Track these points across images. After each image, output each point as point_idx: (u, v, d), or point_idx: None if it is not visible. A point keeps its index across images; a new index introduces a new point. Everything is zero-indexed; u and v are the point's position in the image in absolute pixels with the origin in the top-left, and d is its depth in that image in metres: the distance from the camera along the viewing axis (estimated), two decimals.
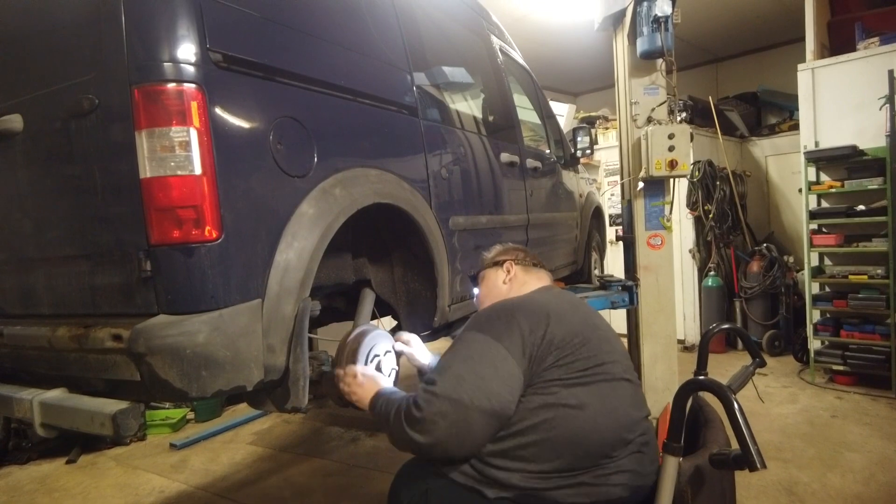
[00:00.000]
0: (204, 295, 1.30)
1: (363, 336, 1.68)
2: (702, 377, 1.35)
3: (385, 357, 1.75)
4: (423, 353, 1.89)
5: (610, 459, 1.33)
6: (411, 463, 1.55)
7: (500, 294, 1.69)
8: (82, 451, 3.92)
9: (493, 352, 1.36)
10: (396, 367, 1.81)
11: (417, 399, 1.35)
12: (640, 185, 3.48)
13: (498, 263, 1.76)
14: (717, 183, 5.77)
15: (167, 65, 1.29)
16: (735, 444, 1.13)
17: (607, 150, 6.36)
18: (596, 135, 6.45)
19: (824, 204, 4.73)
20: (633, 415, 1.41)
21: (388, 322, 2.24)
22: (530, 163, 3.04)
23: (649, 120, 3.40)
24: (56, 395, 1.50)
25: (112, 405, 1.35)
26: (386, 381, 1.60)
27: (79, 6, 1.42)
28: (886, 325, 4.25)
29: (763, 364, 1.76)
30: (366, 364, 1.67)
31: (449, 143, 2.29)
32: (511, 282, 1.71)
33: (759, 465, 1.04)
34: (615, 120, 4.47)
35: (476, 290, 1.83)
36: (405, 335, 1.90)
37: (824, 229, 4.69)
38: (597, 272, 4.43)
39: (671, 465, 1.21)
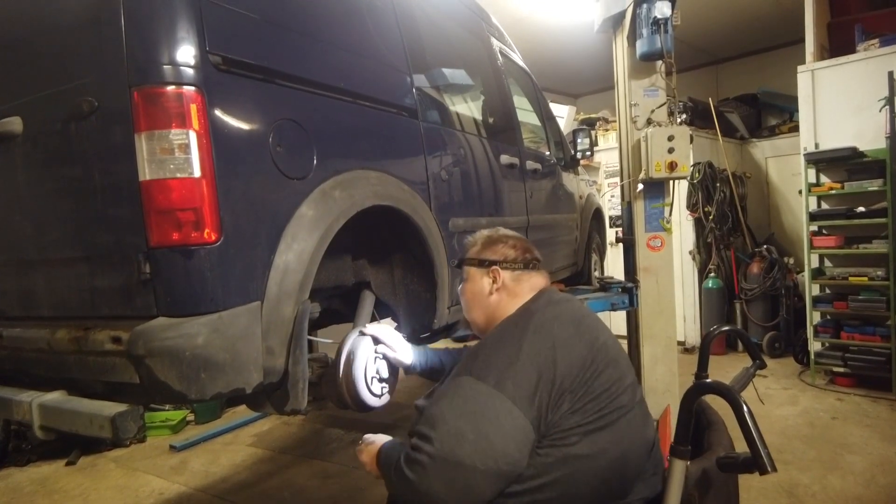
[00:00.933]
0: (203, 297, 1.30)
1: (354, 351, 1.65)
2: (708, 380, 1.34)
3: (381, 362, 1.74)
4: (404, 350, 1.76)
5: (630, 492, 1.29)
6: None
7: (489, 305, 1.52)
8: (82, 453, 3.92)
9: (497, 405, 1.21)
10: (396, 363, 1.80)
11: (411, 457, 1.23)
12: (640, 186, 3.48)
13: (483, 264, 1.55)
14: (718, 184, 5.77)
15: (166, 67, 1.29)
16: (739, 447, 1.13)
17: (607, 152, 6.36)
18: (596, 136, 6.46)
19: (824, 205, 4.73)
20: (648, 438, 1.35)
21: (389, 324, 2.24)
22: (530, 164, 3.04)
23: (649, 122, 3.39)
24: (55, 397, 1.50)
25: (111, 407, 1.35)
26: (382, 437, 1.47)
27: (78, 8, 1.42)
28: (887, 326, 4.25)
29: (763, 366, 1.76)
30: (365, 374, 1.65)
31: (449, 145, 2.29)
32: (499, 292, 1.52)
33: (769, 469, 1.04)
34: (615, 121, 4.48)
35: (461, 284, 1.63)
36: (381, 333, 1.73)
37: (824, 231, 4.69)
38: (597, 274, 4.43)
39: (678, 469, 1.21)
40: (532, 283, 1.53)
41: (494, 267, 1.52)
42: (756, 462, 1.05)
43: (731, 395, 1.13)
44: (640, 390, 1.42)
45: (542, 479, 1.22)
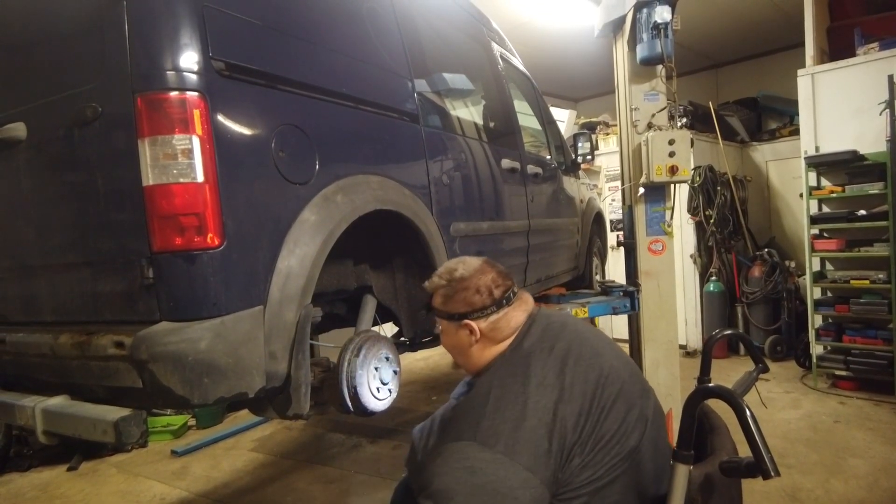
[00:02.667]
0: (206, 302, 1.31)
1: (358, 355, 1.64)
2: (711, 384, 1.34)
3: (384, 364, 1.74)
4: None
5: None
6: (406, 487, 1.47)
7: (472, 355, 1.40)
8: (83, 458, 3.91)
9: (511, 476, 1.09)
10: (397, 369, 1.80)
11: None
12: (641, 190, 3.49)
13: (453, 318, 1.39)
14: (718, 188, 5.77)
15: (170, 73, 1.30)
16: (742, 451, 1.12)
17: (608, 156, 6.36)
18: (596, 140, 6.46)
19: (825, 209, 4.73)
20: (658, 472, 1.29)
21: (390, 328, 2.24)
22: (531, 169, 3.05)
23: (650, 126, 3.40)
24: (58, 402, 1.50)
25: (114, 412, 1.36)
26: None
27: (82, 15, 1.43)
28: (889, 329, 4.24)
29: (766, 370, 1.75)
30: (367, 379, 1.65)
31: (450, 150, 2.30)
32: (479, 342, 1.38)
33: (773, 473, 1.03)
34: (615, 125, 4.48)
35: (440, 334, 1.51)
36: None
37: (825, 234, 4.69)
38: (598, 277, 4.43)
39: (682, 474, 1.20)
40: (513, 322, 1.37)
41: (465, 321, 1.37)
42: (759, 466, 1.05)
43: (733, 399, 1.12)
44: (650, 404, 1.34)
45: None
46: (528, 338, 1.33)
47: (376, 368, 1.70)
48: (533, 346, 1.30)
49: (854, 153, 4.35)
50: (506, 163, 2.75)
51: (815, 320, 4.69)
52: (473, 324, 1.36)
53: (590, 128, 6.74)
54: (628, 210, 3.62)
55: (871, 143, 4.36)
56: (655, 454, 1.30)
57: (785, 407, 4.24)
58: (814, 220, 4.65)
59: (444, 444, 1.20)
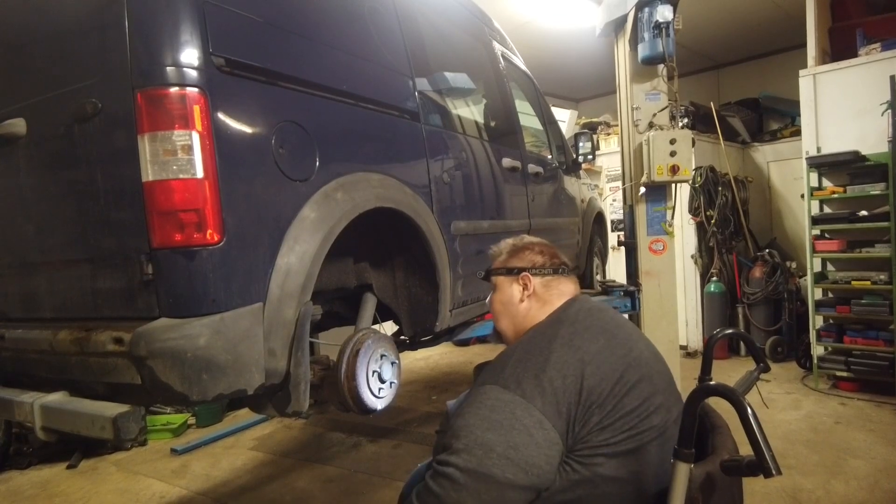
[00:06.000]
0: (205, 298, 1.30)
1: (357, 353, 1.65)
2: (713, 383, 1.33)
3: (384, 363, 1.74)
4: None
5: None
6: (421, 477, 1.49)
7: (518, 313, 1.47)
8: (83, 457, 3.91)
9: (526, 416, 1.16)
10: (397, 368, 1.79)
11: (438, 471, 1.15)
12: (642, 190, 3.48)
13: (512, 272, 1.50)
14: (719, 188, 5.76)
15: (170, 69, 1.29)
16: (743, 450, 1.12)
17: (609, 156, 6.36)
18: (597, 140, 6.45)
19: (827, 210, 4.72)
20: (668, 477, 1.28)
21: (390, 327, 2.24)
22: (532, 168, 3.04)
23: (651, 125, 3.40)
24: (57, 398, 1.50)
25: (113, 409, 1.36)
26: None
27: (82, 11, 1.43)
28: (890, 331, 4.23)
29: (767, 369, 1.75)
30: (367, 377, 1.65)
31: (451, 148, 2.30)
32: (530, 299, 1.46)
33: (774, 472, 1.02)
34: (617, 125, 4.48)
35: (489, 295, 1.58)
36: None
37: (827, 235, 4.68)
38: (599, 277, 4.43)
39: (682, 472, 1.19)
40: (562, 289, 1.48)
41: (524, 273, 1.47)
42: (761, 465, 1.04)
43: (734, 397, 1.12)
44: (677, 397, 1.36)
45: (567, 496, 1.17)
46: (566, 312, 1.40)
47: (376, 366, 1.70)
48: (567, 317, 1.37)
49: (856, 154, 4.35)
50: (507, 162, 2.74)
51: (816, 321, 4.68)
52: (530, 277, 1.47)
53: (591, 128, 6.74)
54: (629, 210, 3.61)
55: (872, 143, 4.35)
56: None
57: (785, 408, 4.23)
58: (815, 221, 4.65)
59: (471, 392, 1.28)
